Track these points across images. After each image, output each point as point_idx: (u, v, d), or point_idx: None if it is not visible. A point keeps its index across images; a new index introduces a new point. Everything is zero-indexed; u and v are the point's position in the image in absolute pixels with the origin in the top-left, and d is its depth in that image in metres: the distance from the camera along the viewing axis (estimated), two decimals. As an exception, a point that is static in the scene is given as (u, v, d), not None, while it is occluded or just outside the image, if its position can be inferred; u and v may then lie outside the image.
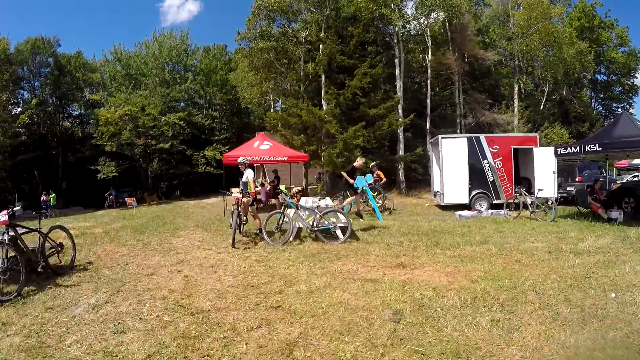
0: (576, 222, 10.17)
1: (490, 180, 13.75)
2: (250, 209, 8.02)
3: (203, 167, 29.43)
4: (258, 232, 8.07)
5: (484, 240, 7.68)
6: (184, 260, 6.29)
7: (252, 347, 3.28)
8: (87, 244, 7.83)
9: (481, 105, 25.03)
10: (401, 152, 21.85)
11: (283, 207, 7.87)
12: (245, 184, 7.96)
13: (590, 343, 3.33)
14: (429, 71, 24.03)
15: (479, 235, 8.18)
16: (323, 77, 20.92)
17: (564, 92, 30.77)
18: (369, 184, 12.40)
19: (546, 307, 4.02)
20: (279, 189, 14.93)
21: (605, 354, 3.21)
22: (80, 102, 36.72)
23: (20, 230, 5.31)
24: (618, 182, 18.29)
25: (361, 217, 10.20)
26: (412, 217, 11.84)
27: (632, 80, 35.90)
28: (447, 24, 24.33)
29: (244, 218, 8.15)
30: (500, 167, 13.78)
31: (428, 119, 23.60)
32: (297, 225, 7.91)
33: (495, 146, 13.87)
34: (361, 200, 13.64)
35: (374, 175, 13.73)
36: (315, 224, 7.64)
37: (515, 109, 25.65)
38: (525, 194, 11.44)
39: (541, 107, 28.88)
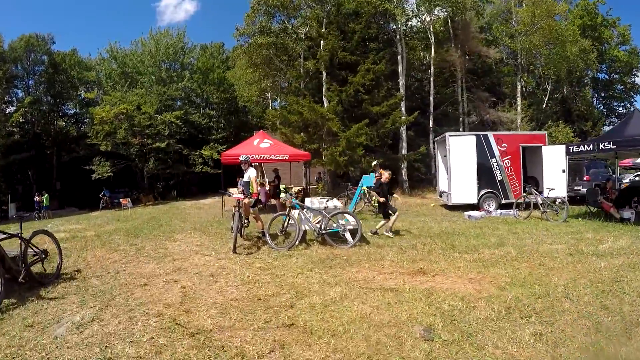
0: (588, 222, 9.96)
1: (499, 179, 13.40)
2: (252, 211, 7.49)
3: (200, 167, 29.07)
4: (260, 235, 7.57)
5: (500, 242, 7.40)
6: (180, 268, 5.73)
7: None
8: (77, 248, 7.27)
9: (485, 103, 24.60)
10: (404, 151, 21.36)
11: (288, 209, 7.32)
12: (248, 183, 7.44)
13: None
14: (432, 68, 23.57)
15: (494, 237, 7.95)
16: (324, 74, 20.37)
17: (565, 91, 30.46)
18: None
19: (585, 315, 3.79)
20: (280, 189, 14.48)
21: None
22: (75, 101, 36.18)
23: (-1, 236, 4.77)
24: (624, 181, 17.97)
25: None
26: (419, 218, 11.44)
27: (633, 79, 35.76)
28: (449, 21, 23.89)
29: (245, 220, 7.57)
30: (508, 165, 13.46)
31: (431, 117, 23.13)
32: (303, 228, 7.34)
33: (504, 144, 13.52)
34: (367, 200, 13.23)
35: (376, 174, 13.36)
36: (323, 226, 7.10)
37: (519, 107, 25.24)
38: (536, 194, 11.19)
39: (544, 106, 28.54)
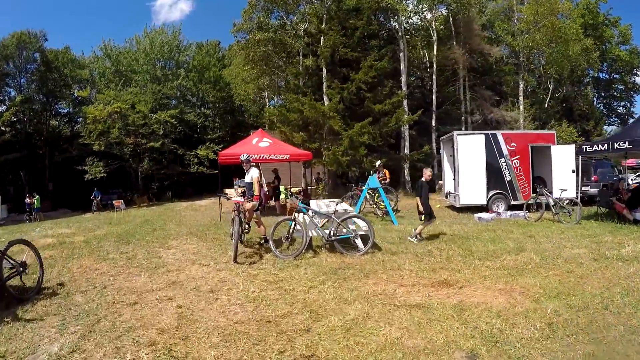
0: (601, 223, 9.64)
1: (508, 180, 12.92)
2: (254, 215, 6.87)
3: (195, 167, 28.55)
4: (263, 241, 6.96)
5: (519, 247, 7.00)
6: (176, 282, 5.10)
7: None
8: (62, 257, 6.65)
9: (488, 102, 24.15)
10: (407, 151, 20.83)
11: (294, 214, 6.72)
12: (250, 184, 6.83)
13: None
14: (435, 66, 23.06)
15: (511, 242, 7.52)
16: (325, 71, 19.78)
17: (567, 90, 30.13)
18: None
19: (631, 330, 3.51)
20: (279, 190, 13.87)
21: None
22: (68, 100, 35.24)
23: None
24: (632, 181, 17.62)
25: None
26: (428, 221, 10.83)
27: (633, 79, 35.52)
28: (451, 18, 23.40)
29: (246, 226, 6.91)
30: (517, 165, 12.98)
31: (434, 116, 22.63)
32: (310, 234, 6.74)
33: (513, 144, 13.05)
34: (372, 202, 12.67)
35: (379, 174, 12.89)
36: (333, 232, 6.51)
37: (521, 107, 24.82)
38: (548, 194, 10.74)
39: (545, 105, 28.16)
